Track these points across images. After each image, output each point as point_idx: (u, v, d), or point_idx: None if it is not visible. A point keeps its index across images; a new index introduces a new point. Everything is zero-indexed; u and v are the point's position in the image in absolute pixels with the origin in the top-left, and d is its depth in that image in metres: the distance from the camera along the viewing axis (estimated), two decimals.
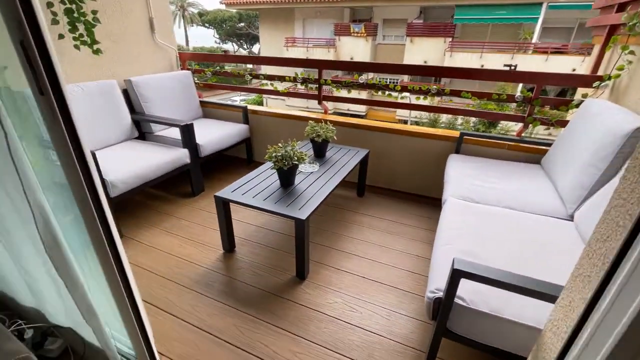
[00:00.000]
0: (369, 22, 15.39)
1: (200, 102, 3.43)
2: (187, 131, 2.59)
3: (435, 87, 2.54)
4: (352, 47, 15.46)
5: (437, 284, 1.23)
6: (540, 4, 12.29)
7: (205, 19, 31.08)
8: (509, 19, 13.03)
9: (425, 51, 14.46)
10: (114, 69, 2.81)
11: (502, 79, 2.35)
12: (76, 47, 2.34)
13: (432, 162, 2.70)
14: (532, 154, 2.36)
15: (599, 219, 0.69)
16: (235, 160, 3.52)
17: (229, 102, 3.46)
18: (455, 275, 1.05)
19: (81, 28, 2.33)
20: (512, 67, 2.59)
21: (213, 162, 3.44)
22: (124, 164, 2.25)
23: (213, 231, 2.30)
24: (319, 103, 3.06)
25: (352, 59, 15.71)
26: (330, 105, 14.78)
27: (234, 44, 32.86)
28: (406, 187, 2.90)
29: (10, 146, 0.91)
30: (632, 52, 1.83)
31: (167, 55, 3.29)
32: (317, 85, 2.97)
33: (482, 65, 13.60)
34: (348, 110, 15.60)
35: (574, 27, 13.40)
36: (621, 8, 2.05)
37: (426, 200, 2.79)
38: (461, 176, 2.08)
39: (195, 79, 3.53)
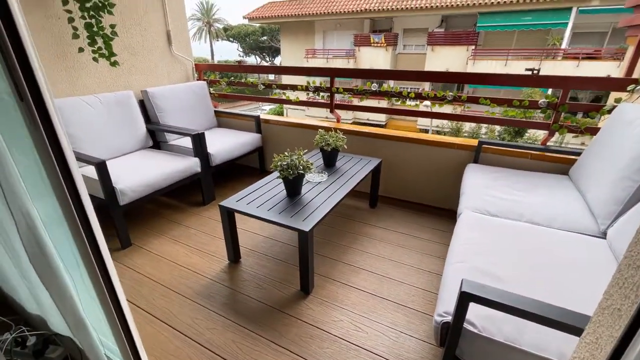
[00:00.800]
0: (389, 32, 15.36)
1: (215, 112, 3.48)
2: (199, 140, 2.61)
3: (451, 93, 2.42)
4: (372, 57, 15.45)
5: (447, 306, 1.11)
6: (570, 8, 11.78)
7: (230, 33, 32.29)
8: (535, 24, 12.56)
9: (447, 60, 14.19)
10: (131, 80, 2.90)
11: (524, 83, 2.20)
12: (94, 59, 2.44)
13: (449, 173, 2.56)
14: (559, 164, 2.17)
15: (632, 239, 0.57)
16: (247, 169, 3.52)
17: (246, 112, 3.49)
18: (464, 299, 0.94)
19: (100, 41, 2.42)
20: (535, 72, 2.42)
21: (225, 171, 3.45)
22: (135, 172, 2.28)
23: (220, 241, 2.27)
24: (331, 111, 3.01)
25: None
26: (349, 115, 14.76)
27: (256, 56, 33.85)
28: (421, 198, 2.77)
29: None
30: None
31: (184, 66, 3.37)
32: (329, 94, 2.92)
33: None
34: (368, 119, 15.52)
35: (607, 32, 12.71)
36: None
37: (442, 212, 2.64)
38: (479, 187, 1.94)
39: (211, 89, 3.60)
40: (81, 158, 2.07)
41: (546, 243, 1.42)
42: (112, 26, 2.46)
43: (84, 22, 2.32)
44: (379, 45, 15.11)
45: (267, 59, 33.47)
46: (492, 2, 12.39)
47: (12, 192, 0.93)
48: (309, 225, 1.64)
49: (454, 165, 2.53)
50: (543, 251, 1.36)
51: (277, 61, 32.29)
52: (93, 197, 2.18)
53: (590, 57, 12.23)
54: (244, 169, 3.52)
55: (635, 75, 2.03)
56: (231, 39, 32.58)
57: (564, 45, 12.76)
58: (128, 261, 2.09)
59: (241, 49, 32.44)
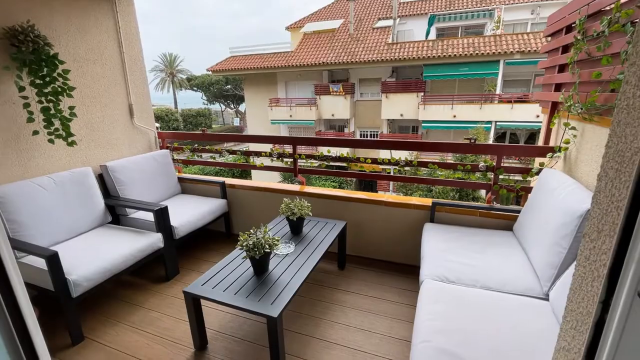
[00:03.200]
0: (346, 82, 16.56)
1: (179, 178, 3.45)
2: (161, 215, 2.56)
3: (403, 159, 2.66)
4: (332, 105, 16.39)
5: None
6: (498, 61, 13.62)
7: (194, 83, 32.84)
8: (472, 74, 14.29)
9: (400, 105, 15.44)
10: (90, 155, 2.84)
11: (465, 151, 2.49)
12: (50, 141, 2.38)
13: (409, 230, 2.71)
14: (504, 220, 2.41)
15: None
16: (213, 234, 3.45)
17: (210, 179, 3.50)
18: None
19: (57, 123, 2.39)
20: (472, 141, 2.82)
21: (190, 239, 3.35)
22: (91, 256, 2.16)
23: (185, 324, 2.15)
24: (295, 176, 3.13)
25: (333, 115, 16.57)
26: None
27: (221, 104, 34.42)
28: (386, 255, 2.87)
29: None
30: (574, 128, 1.99)
31: (146, 136, 3.37)
32: (292, 160, 3.06)
33: (454, 116, 14.55)
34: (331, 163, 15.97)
35: (530, 79, 14.75)
36: (558, 88, 2.28)
37: (406, 269, 2.74)
38: (436, 251, 2.08)
39: (174, 155, 3.60)
40: (31, 250, 1.94)
41: (500, 311, 1.54)
42: (71, 108, 2.46)
43: (41, 107, 2.30)
44: (338, 94, 16.16)
45: (232, 106, 34.15)
46: (433, 56, 14.01)
47: None
48: (277, 309, 1.64)
49: (413, 223, 2.69)
50: (498, 321, 1.47)
51: (242, 108, 32.99)
52: (40, 289, 2.01)
53: (521, 100, 13.98)
54: (209, 234, 3.44)
55: (551, 143, 2.39)
56: (195, 89, 33.07)
57: (498, 91, 14.53)
58: None
59: (205, 98, 32.90)
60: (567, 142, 2.05)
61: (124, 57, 3.06)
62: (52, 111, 2.35)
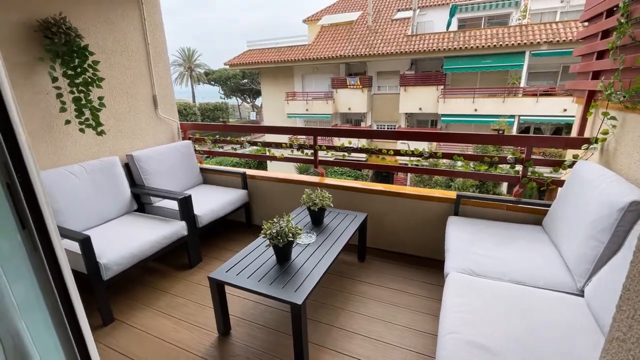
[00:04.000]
0: (364, 75, 16.34)
1: (201, 168, 3.52)
2: (185, 204, 2.62)
3: (427, 151, 2.60)
4: (349, 98, 16.23)
5: None
6: (523, 52, 13.06)
7: (211, 77, 33.26)
8: (495, 66, 13.77)
9: (419, 99, 15.11)
10: (117, 145, 2.93)
11: (492, 142, 2.40)
12: (81, 130, 2.47)
13: (432, 224, 2.66)
14: (533, 215, 2.32)
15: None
16: (234, 224, 3.50)
17: (232, 169, 3.54)
18: None
19: (87, 113, 2.47)
20: (500, 132, 2.72)
21: (212, 228, 3.42)
22: (120, 242, 2.24)
23: (209, 310, 2.20)
24: (315, 167, 3.12)
25: (349, 109, 16.43)
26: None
27: (238, 98, 34.75)
28: (407, 249, 2.83)
29: None
30: (613, 118, 1.88)
31: (169, 127, 3.44)
32: (313, 151, 3.05)
33: (476, 110, 14.11)
34: (350, 155, 15.89)
35: (558, 71, 14.09)
36: (596, 75, 2.15)
37: (428, 262, 2.69)
38: (461, 243, 2.03)
39: (196, 146, 3.66)
40: (65, 234, 2.02)
41: (531, 305, 1.48)
42: (100, 98, 2.53)
43: (73, 97, 2.38)
44: (355, 87, 15.98)
45: (249, 100, 34.42)
46: (454, 48, 13.59)
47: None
48: (301, 296, 1.65)
49: (436, 216, 2.64)
50: (528, 315, 1.42)
51: (258, 102, 33.15)
52: (74, 272, 2.09)
53: (547, 93, 13.39)
54: (230, 224, 3.50)
55: (587, 133, 2.27)
56: (212, 83, 33.50)
57: (522, 84, 13.96)
58: (111, 341, 1.98)
59: (222, 92, 33.29)
60: (606, 133, 1.94)
61: (148, 49, 3.12)
62: (83, 101, 2.43)
